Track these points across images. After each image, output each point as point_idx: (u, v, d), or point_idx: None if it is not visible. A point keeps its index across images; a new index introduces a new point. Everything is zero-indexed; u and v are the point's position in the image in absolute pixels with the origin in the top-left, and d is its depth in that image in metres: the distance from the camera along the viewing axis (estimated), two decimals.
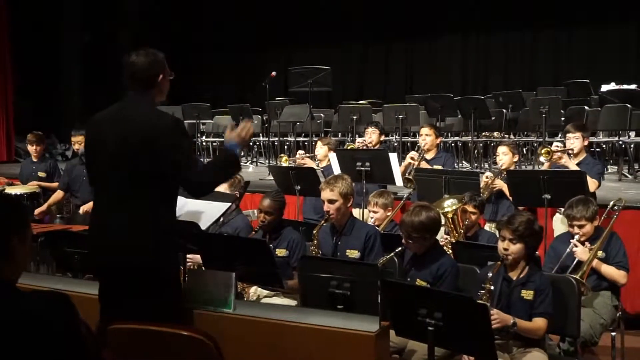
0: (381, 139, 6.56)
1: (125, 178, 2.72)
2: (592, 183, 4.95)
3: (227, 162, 2.92)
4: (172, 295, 2.80)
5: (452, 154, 8.49)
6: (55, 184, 6.69)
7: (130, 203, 2.72)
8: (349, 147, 6.87)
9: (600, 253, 3.95)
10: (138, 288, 2.71)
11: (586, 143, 5.29)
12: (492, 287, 3.24)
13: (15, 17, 11.28)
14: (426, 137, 5.97)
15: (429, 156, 5.95)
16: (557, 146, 5.33)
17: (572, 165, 5.06)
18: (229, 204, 3.51)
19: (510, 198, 5.08)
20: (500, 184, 5.21)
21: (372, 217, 4.73)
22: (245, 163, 10.24)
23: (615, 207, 4.56)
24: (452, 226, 4.41)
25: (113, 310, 2.76)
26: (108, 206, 2.79)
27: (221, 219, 4.07)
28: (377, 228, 4.44)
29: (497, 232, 4.64)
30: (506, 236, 3.32)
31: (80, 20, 12.60)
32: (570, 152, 5.18)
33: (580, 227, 3.93)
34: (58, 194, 6.44)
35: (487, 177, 5.24)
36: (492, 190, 5.23)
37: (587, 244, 3.94)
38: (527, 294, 3.26)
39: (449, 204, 4.42)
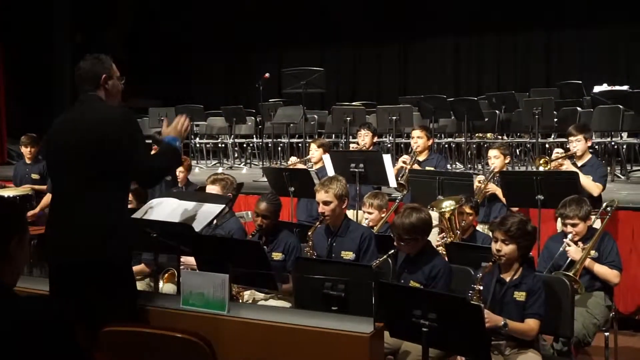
0: (374, 141, 6.56)
1: (78, 176, 2.78)
2: (595, 187, 4.96)
3: (169, 154, 2.98)
4: (127, 294, 2.84)
5: (444, 155, 8.51)
6: None
7: (81, 202, 2.77)
8: (342, 150, 6.85)
9: (593, 252, 3.97)
10: (91, 288, 2.75)
11: (589, 144, 5.31)
12: (482, 288, 3.24)
13: (6, 18, 11.23)
14: (418, 139, 5.98)
15: (421, 158, 5.96)
16: (558, 153, 5.33)
17: (572, 169, 5.04)
18: (223, 205, 3.50)
19: (504, 200, 5.09)
20: (493, 188, 5.23)
21: (366, 219, 4.73)
22: (239, 165, 10.25)
23: (608, 208, 4.58)
24: (449, 226, 4.42)
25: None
26: (61, 206, 2.86)
27: (214, 222, 4.06)
28: (371, 229, 4.44)
29: (490, 234, 4.67)
30: (499, 237, 3.33)
31: (71, 21, 12.56)
32: (573, 155, 5.19)
33: (573, 226, 3.95)
34: (48, 197, 6.43)
35: (479, 182, 5.25)
36: (485, 194, 5.24)
37: (580, 243, 3.96)
38: (520, 296, 3.26)
39: (447, 205, 4.43)
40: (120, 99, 3.01)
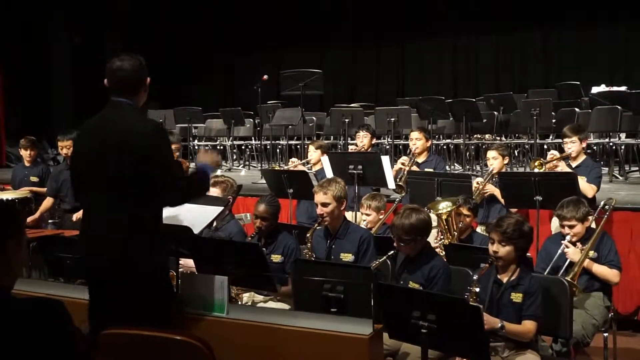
0: (373, 142, 6.57)
1: (111, 184, 2.72)
2: (589, 189, 4.96)
3: (203, 180, 2.97)
4: (157, 301, 2.80)
5: (443, 156, 8.52)
6: None
7: (114, 209, 2.72)
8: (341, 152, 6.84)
9: (592, 253, 3.97)
10: (123, 293, 2.72)
11: (584, 145, 5.32)
12: (478, 289, 3.25)
13: (4, 20, 11.23)
14: (417, 141, 5.99)
15: (420, 159, 5.97)
16: (552, 155, 5.34)
17: (567, 170, 5.06)
18: (222, 207, 3.51)
19: (503, 201, 5.09)
20: (492, 189, 5.24)
21: (364, 220, 4.74)
22: (238, 167, 10.24)
23: (606, 207, 4.59)
24: (446, 228, 4.43)
25: (100, 315, 2.76)
26: (93, 212, 2.80)
27: (214, 224, 4.06)
28: (370, 231, 4.45)
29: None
30: (495, 239, 3.33)
31: (69, 23, 12.56)
32: (568, 156, 5.20)
33: (570, 227, 3.96)
34: (48, 201, 6.43)
35: (477, 183, 5.26)
36: (484, 195, 5.25)
37: (578, 244, 3.96)
38: (517, 297, 3.27)
39: (444, 206, 4.44)
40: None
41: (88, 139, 2.83)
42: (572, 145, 5.22)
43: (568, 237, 3.96)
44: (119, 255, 2.72)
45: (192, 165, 10.13)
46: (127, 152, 2.68)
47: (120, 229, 2.72)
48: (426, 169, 5.83)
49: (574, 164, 5.22)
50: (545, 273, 3.90)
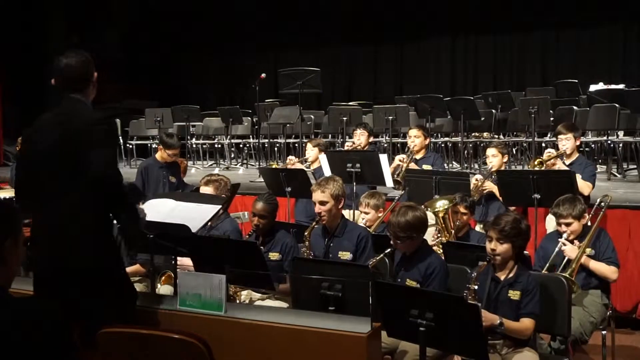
0: (370, 140, 6.57)
1: (62, 180, 2.73)
2: (585, 186, 4.97)
3: (129, 197, 2.94)
4: (114, 296, 2.82)
5: (440, 154, 8.51)
6: None
7: (70, 206, 2.73)
8: (339, 150, 6.84)
9: (589, 250, 3.97)
10: (77, 290, 2.72)
11: (578, 143, 5.33)
12: (477, 287, 3.25)
13: (1, 19, 11.21)
14: (415, 138, 5.99)
15: (418, 157, 5.97)
16: (550, 153, 5.34)
17: (565, 169, 5.07)
18: (219, 206, 3.51)
19: (501, 199, 5.10)
20: (490, 186, 5.24)
21: (363, 218, 4.74)
22: (236, 165, 10.24)
23: (602, 204, 4.60)
24: (443, 226, 4.43)
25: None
26: (48, 210, 2.79)
27: (209, 223, 4.06)
28: (368, 229, 4.45)
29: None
30: (493, 236, 3.33)
31: (67, 22, 12.54)
32: (563, 154, 5.21)
33: (567, 225, 3.96)
34: None
35: (476, 180, 5.26)
36: (482, 193, 5.25)
37: (575, 242, 3.97)
38: (514, 294, 3.27)
39: (441, 205, 4.44)
40: None
41: (43, 136, 2.83)
42: (567, 142, 5.23)
43: (565, 235, 3.96)
44: (75, 253, 2.72)
45: (190, 163, 10.13)
46: (79, 148, 2.70)
47: (76, 226, 2.72)
48: (424, 166, 5.83)
49: (567, 162, 5.23)
50: (543, 271, 3.90)
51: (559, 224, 4.03)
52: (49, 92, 12.34)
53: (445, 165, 8.96)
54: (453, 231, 4.43)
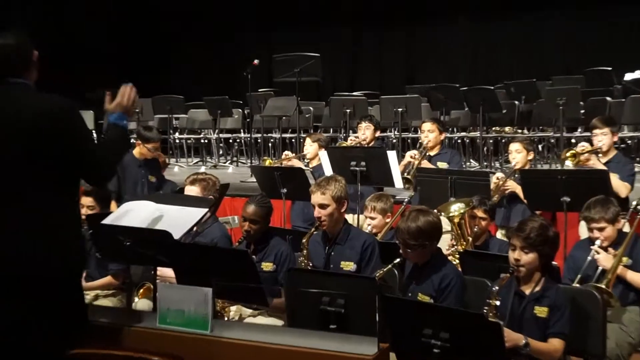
0: (376, 135, 6.57)
1: (15, 174, 2.70)
2: (623, 187, 4.95)
3: (117, 139, 2.92)
4: (75, 312, 2.80)
5: (458, 151, 8.50)
6: None
7: (20, 203, 2.70)
8: (340, 145, 6.85)
9: (625, 259, 3.95)
10: (27, 305, 2.68)
11: (615, 139, 5.31)
12: (499, 303, 3.23)
13: None
14: (429, 133, 5.97)
15: (432, 154, 5.96)
16: (584, 147, 5.31)
17: (600, 167, 5.04)
18: (205, 209, 3.48)
19: (525, 201, 5.08)
20: (513, 186, 5.22)
21: (369, 224, 4.72)
22: (225, 163, 10.23)
23: (639, 207, 4.58)
24: (459, 233, 4.41)
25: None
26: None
27: (194, 228, 4.04)
28: (374, 236, 4.43)
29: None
30: (517, 245, 3.31)
31: (47, 11, 12.63)
32: (598, 150, 5.18)
33: (600, 230, 3.94)
34: None
35: (497, 178, 5.24)
36: (504, 193, 5.23)
37: (610, 249, 3.95)
38: (541, 311, 3.25)
39: (456, 209, 4.42)
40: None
41: None
42: (603, 137, 5.21)
43: (598, 242, 3.94)
44: (32, 260, 2.67)
45: (172, 161, 10.12)
46: (35, 134, 2.67)
47: (30, 222, 2.69)
48: (438, 164, 5.82)
49: (603, 160, 5.20)
50: (574, 284, 3.87)
51: (590, 230, 4.01)
52: None
53: (463, 163, 8.97)
54: (470, 239, 4.41)
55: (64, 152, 2.71)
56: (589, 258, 3.95)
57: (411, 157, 5.88)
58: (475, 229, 4.46)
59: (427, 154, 5.93)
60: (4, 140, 2.72)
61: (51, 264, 2.71)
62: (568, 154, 5.23)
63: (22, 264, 2.69)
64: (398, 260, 3.63)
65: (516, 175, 5.27)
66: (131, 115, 3.01)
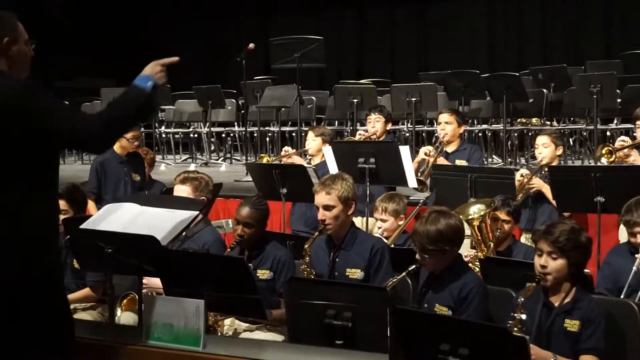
0: (387, 128, 6.58)
1: None
2: None
3: (128, 99, 2.93)
4: (54, 324, 2.79)
5: (479, 146, 8.52)
6: None
7: None
8: (347, 140, 6.86)
9: None
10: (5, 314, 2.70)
11: None
12: (525, 316, 3.24)
13: None
14: (446, 125, 5.98)
15: (449, 149, 5.96)
16: (623, 141, 5.30)
17: None
18: (196, 212, 3.51)
19: (553, 202, 5.09)
20: (540, 184, 5.23)
21: (379, 227, 4.74)
22: (217, 160, 10.26)
23: None
24: (479, 238, 4.42)
25: None
26: None
27: (184, 233, 4.06)
28: (385, 241, 4.45)
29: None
30: (544, 250, 3.32)
31: None
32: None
33: None
34: None
35: (522, 176, 5.25)
36: (529, 192, 5.24)
37: None
38: (572, 325, 3.25)
39: (475, 210, 4.43)
40: (28, 71, 2.91)
41: None
42: None
43: None
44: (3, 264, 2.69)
45: (158, 158, 10.13)
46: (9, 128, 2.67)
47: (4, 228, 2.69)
48: (457, 161, 5.82)
49: None
50: (621, 296, 3.86)
51: (632, 235, 4.01)
52: None
53: (484, 159, 8.97)
54: (492, 244, 4.43)
55: (28, 136, 2.68)
56: (635, 268, 3.93)
57: (425, 153, 5.85)
58: (498, 233, 4.47)
59: (444, 149, 5.93)
60: None
61: (23, 268, 2.71)
62: (604, 151, 5.22)
63: None
64: (413, 267, 3.64)
65: (543, 172, 5.29)
66: (161, 79, 3.02)
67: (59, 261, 2.95)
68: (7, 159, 2.70)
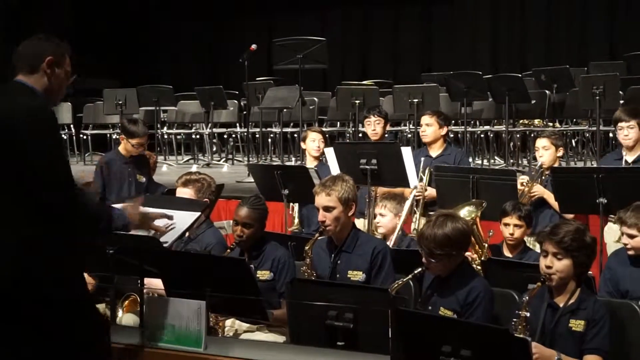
0: (387, 130, 6.55)
1: None
2: None
3: (102, 219, 2.87)
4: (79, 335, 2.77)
5: (464, 150, 8.45)
6: None
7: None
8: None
9: None
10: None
11: None
12: (529, 315, 3.24)
13: None
14: (426, 127, 5.92)
15: (433, 153, 5.92)
16: (522, 184, 5.20)
17: None
18: (198, 213, 3.51)
19: (555, 205, 5.08)
20: (541, 191, 5.23)
21: (377, 222, 4.73)
22: (219, 161, 10.25)
23: None
24: (472, 240, 4.41)
25: None
26: None
27: (186, 234, 4.07)
28: (386, 243, 4.44)
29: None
30: (549, 250, 3.32)
31: None
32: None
33: (629, 237, 3.96)
34: None
35: (522, 184, 5.24)
36: (531, 199, 5.24)
37: None
38: (577, 325, 3.26)
39: (466, 213, 4.44)
40: (57, 102, 2.93)
41: None
42: (630, 131, 5.20)
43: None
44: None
45: (160, 159, 10.13)
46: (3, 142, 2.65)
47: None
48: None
49: (630, 157, 5.20)
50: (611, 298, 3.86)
51: (621, 233, 4.03)
52: None
53: (486, 161, 8.97)
54: (486, 245, 4.44)
55: (22, 170, 2.65)
56: None
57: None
58: (509, 239, 4.47)
59: (427, 155, 5.91)
60: None
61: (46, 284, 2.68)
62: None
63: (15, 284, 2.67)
64: (419, 270, 3.62)
65: (544, 177, 5.29)
66: (143, 228, 3.03)
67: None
68: (10, 181, 2.68)
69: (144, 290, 3.83)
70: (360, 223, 5.12)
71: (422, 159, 5.70)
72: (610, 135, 8.41)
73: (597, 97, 7.50)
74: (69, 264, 2.78)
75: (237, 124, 10.55)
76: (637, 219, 3.94)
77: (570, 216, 4.90)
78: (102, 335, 2.88)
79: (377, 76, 11.60)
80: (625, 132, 5.20)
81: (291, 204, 5.72)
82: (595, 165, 5.40)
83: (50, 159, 2.71)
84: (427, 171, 5.63)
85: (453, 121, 8.87)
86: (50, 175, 2.68)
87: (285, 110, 8.84)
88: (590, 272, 3.59)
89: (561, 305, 3.34)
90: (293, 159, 9.77)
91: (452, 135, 9.06)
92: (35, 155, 2.66)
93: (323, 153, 5.98)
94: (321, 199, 4.08)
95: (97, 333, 2.85)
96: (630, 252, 3.97)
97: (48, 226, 2.70)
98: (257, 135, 9.92)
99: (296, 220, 5.66)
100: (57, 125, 2.86)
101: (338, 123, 10.17)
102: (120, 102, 9.65)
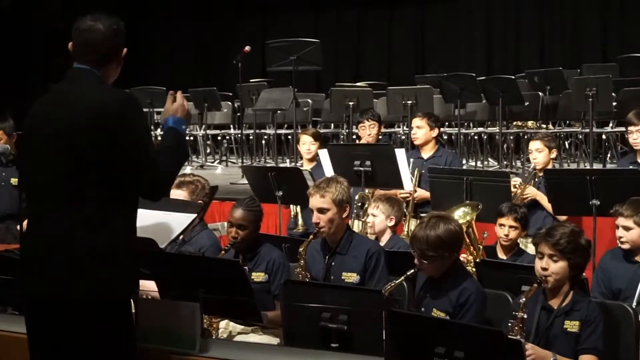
0: (380, 132, 6.56)
1: (66, 179, 2.69)
2: None
3: (176, 147, 2.91)
4: (123, 338, 2.78)
5: (455, 151, 8.48)
6: None
7: (70, 213, 2.69)
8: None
9: None
10: (77, 327, 2.70)
11: None
12: (526, 316, 3.26)
13: None
14: (417, 129, 5.95)
15: (424, 155, 5.94)
16: (514, 186, 5.25)
17: None
18: (194, 215, 3.52)
19: (548, 207, 5.10)
20: (534, 193, 5.25)
21: (368, 222, 4.75)
22: (213, 163, 10.25)
23: None
24: (467, 241, 4.42)
25: (45, 354, 2.75)
26: (41, 218, 2.76)
27: (181, 236, 4.07)
28: (380, 245, 4.45)
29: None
30: (544, 252, 3.34)
31: None
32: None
33: (625, 229, 3.98)
34: None
35: (515, 187, 5.26)
36: (524, 201, 5.26)
37: None
38: (572, 326, 3.27)
39: (461, 214, 4.45)
40: None
41: (37, 123, 2.80)
42: (639, 135, 5.23)
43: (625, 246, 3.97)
44: (78, 277, 2.67)
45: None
46: (85, 133, 2.66)
47: (83, 242, 2.67)
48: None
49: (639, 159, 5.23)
50: (634, 304, 3.84)
51: (616, 227, 4.05)
52: None
53: (480, 163, 8.99)
54: (480, 246, 4.45)
55: (116, 158, 2.68)
56: None
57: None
58: (503, 240, 4.49)
59: (419, 156, 5.92)
60: (53, 141, 2.71)
61: (96, 287, 2.68)
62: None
63: (62, 287, 2.67)
64: (412, 271, 3.64)
65: (537, 179, 5.31)
66: (187, 119, 3.03)
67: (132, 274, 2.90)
68: (93, 171, 2.68)
69: (138, 292, 3.84)
70: (355, 226, 5.13)
71: (412, 160, 5.72)
72: (604, 137, 8.45)
73: (590, 99, 7.52)
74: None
75: (231, 126, 10.56)
76: (634, 211, 3.97)
77: (563, 218, 4.94)
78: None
79: (370, 78, 11.60)
80: (635, 135, 5.23)
81: (292, 205, 5.73)
82: (588, 167, 5.42)
83: (144, 144, 2.76)
84: (416, 172, 5.66)
85: (447, 123, 8.94)
86: (145, 159, 2.72)
87: (279, 111, 8.85)
88: (583, 275, 3.60)
89: (555, 307, 3.36)
90: (287, 160, 9.79)
91: (445, 137, 9.12)
92: (131, 143, 2.70)
93: (317, 155, 6.00)
94: (315, 201, 4.09)
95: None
96: (625, 247, 4.00)
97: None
98: (251, 137, 9.91)
99: (300, 221, 5.65)
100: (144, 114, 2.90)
101: (332, 125, 10.18)
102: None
